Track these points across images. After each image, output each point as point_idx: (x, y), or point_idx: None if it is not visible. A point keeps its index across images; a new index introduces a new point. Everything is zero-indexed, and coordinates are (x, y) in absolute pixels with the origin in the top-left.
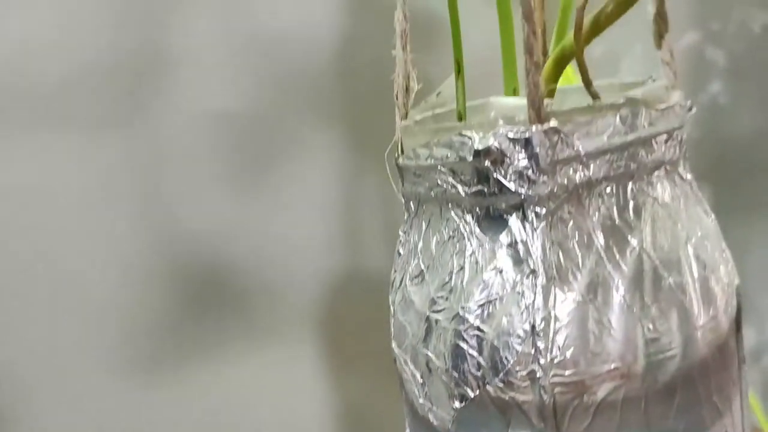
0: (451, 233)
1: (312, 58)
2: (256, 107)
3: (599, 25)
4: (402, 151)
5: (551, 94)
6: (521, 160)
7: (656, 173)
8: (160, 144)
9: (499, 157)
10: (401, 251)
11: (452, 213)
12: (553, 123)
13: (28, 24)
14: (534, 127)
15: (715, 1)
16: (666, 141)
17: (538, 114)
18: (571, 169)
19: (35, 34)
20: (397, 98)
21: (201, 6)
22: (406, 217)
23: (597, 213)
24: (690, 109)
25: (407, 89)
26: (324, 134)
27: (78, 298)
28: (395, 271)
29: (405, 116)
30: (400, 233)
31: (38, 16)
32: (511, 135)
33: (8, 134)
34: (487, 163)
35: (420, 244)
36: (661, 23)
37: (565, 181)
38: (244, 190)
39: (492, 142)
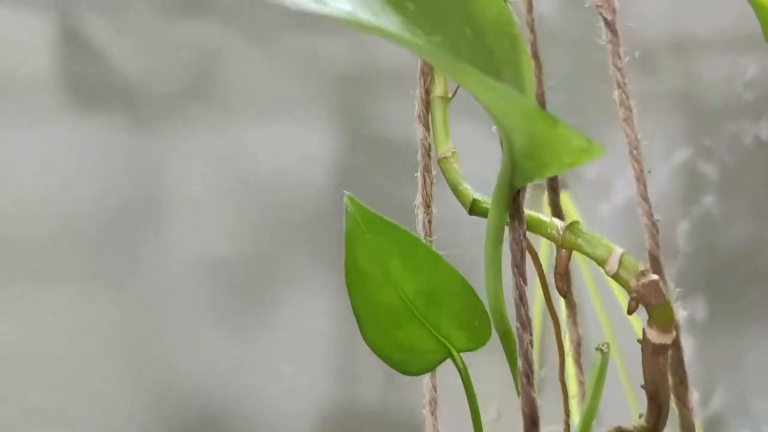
0: None
1: (307, 197)
2: (251, 250)
3: None
4: None
5: None
6: None
7: None
8: (155, 292)
9: None
10: None
11: None
12: None
13: (21, 177)
14: None
15: (705, 117)
16: None
17: None
18: None
19: (28, 188)
20: None
21: (195, 151)
22: None
23: None
24: None
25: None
26: (319, 274)
27: None
28: None
29: None
30: None
31: (31, 170)
32: None
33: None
34: None
35: None
36: None
37: None
38: (239, 333)
39: None
